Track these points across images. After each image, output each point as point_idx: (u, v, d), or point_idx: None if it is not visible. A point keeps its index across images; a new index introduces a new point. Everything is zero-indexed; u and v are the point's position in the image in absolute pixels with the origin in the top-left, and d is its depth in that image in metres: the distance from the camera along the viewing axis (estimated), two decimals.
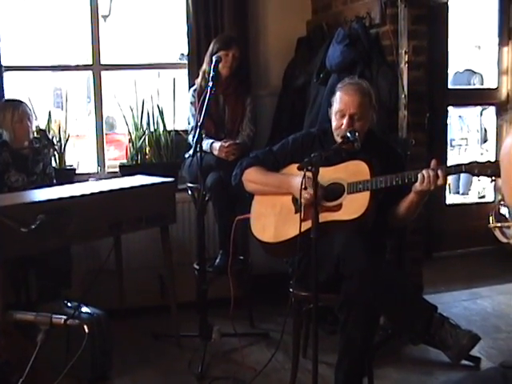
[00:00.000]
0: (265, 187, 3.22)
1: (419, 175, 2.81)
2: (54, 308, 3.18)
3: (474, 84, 6.64)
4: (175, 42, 5.94)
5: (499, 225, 0.90)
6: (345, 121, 3.08)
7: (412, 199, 2.94)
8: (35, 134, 4.13)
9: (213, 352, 3.69)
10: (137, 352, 3.81)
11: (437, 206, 5.17)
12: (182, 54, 5.52)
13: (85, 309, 3.44)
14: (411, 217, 3.07)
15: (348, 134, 2.97)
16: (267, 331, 4.04)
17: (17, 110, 3.92)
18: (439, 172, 2.78)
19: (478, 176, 2.86)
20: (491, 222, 0.92)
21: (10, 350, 2.70)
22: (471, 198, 6.72)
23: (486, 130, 7.17)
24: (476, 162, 2.82)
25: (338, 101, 3.13)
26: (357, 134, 2.98)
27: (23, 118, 3.93)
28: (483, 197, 6.32)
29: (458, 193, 6.92)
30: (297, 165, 2.85)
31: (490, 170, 2.73)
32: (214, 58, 3.79)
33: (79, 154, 5.24)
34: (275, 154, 3.31)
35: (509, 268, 5.07)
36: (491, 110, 5.83)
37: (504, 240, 0.93)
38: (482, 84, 6.46)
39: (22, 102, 3.98)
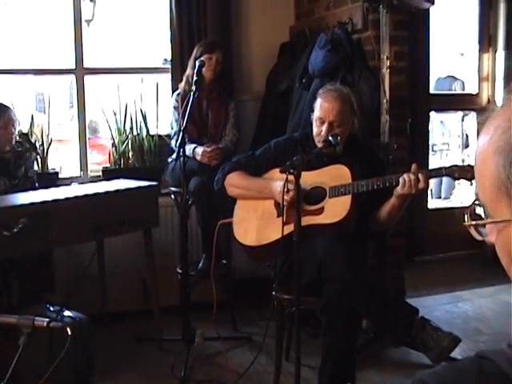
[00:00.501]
0: (247, 192, 3.23)
1: (400, 179, 2.84)
2: (36, 312, 3.13)
3: (456, 90, 6.69)
4: (158, 47, 5.96)
5: (474, 223, 0.92)
6: (324, 127, 3.11)
7: (393, 203, 2.96)
8: (17, 138, 4.11)
9: (196, 356, 3.70)
10: (119, 356, 3.80)
11: (419, 210, 5.21)
12: (165, 60, 5.53)
13: (67, 313, 3.43)
14: (393, 221, 3.10)
15: (330, 138, 2.99)
16: (250, 335, 4.05)
17: (2, 115, 3.88)
18: (420, 176, 2.81)
19: (459, 179, 2.89)
20: (466, 220, 0.94)
21: None
22: (453, 202, 6.77)
23: (467, 136, 7.24)
24: (456, 165, 2.85)
25: (318, 108, 3.16)
26: (338, 138, 3.00)
27: (8, 125, 3.90)
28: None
29: (439, 197, 6.97)
30: (279, 169, 2.87)
31: (470, 173, 2.77)
32: (197, 62, 3.79)
33: (62, 159, 5.22)
34: (257, 158, 3.33)
35: (490, 272, 5.08)
36: (472, 116, 5.89)
37: (479, 238, 0.95)
38: (464, 90, 6.52)
39: (8, 107, 3.95)
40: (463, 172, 2.79)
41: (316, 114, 3.17)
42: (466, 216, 0.97)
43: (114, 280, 4.31)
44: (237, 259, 4.31)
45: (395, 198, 2.93)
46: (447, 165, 2.90)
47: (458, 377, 0.89)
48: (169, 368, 3.58)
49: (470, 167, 2.81)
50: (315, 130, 3.17)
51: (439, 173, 2.86)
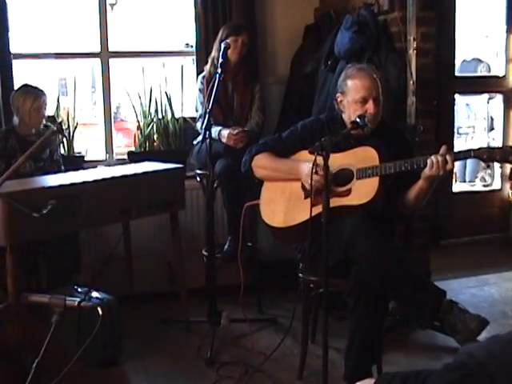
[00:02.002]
0: (274, 173, 3.23)
1: (428, 161, 2.82)
2: (64, 293, 3.18)
3: (481, 72, 6.62)
4: (180, 32, 5.95)
5: None
6: (371, 105, 3.07)
7: (421, 185, 2.95)
8: (45, 121, 4.14)
9: (222, 337, 3.72)
10: (146, 337, 3.84)
11: (443, 193, 5.18)
12: (187, 44, 5.53)
13: (95, 294, 3.47)
14: (420, 203, 3.08)
15: (357, 120, 2.98)
16: (275, 317, 4.07)
17: (38, 98, 3.94)
18: (448, 157, 2.79)
19: (487, 162, 2.86)
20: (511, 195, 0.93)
21: (24, 331, 2.73)
22: (478, 186, 6.71)
23: (492, 119, 7.16)
24: (485, 147, 2.83)
25: (357, 87, 3.10)
26: (366, 119, 2.98)
27: (41, 108, 3.95)
28: (489, 185, 6.31)
29: (464, 181, 6.92)
30: (306, 151, 2.86)
31: (499, 155, 2.74)
32: (222, 45, 3.78)
33: (86, 142, 5.25)
34: (284, 140, 3.32)
35: None
36: (498, 98, 5.82)
37: None
38: (489, 72, 6.45)
39: (43, 92, 4.00)
40: (492, 154, 2.76)
41: (355, 95, 3.10)
42: (510, 192, 0.97)
43: (140, 262, 4.35)
44: (262, 242, 4.33)
45: (423, 180, 2.91)
46: (475, 147, 2.87)
47: (505, 348, 0.89)
48: (195, 349, 3.61)
49: (499, 149, 2.78)
50: (357, 113, 3.07)
51: (467, 154, 2.83)
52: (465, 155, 2.86)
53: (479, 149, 2.81)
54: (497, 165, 5.54)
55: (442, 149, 2.83)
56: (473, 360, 0.88)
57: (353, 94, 3.12)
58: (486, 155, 2.77)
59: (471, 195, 6.00)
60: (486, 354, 0.87)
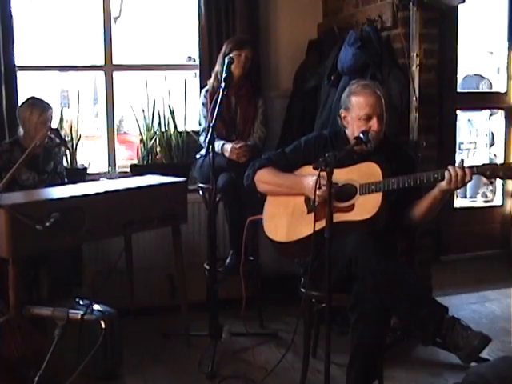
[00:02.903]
0: (277, 188, 3.23)
1: (446, 174, 2.81)
2: (65, 306, 3.19)
3: (483, 89, 6.64)
4: (182, 45, 5.97)
5: None
6: (374, 122, 3.09)
7: (436, 198, 2.96)
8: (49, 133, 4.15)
9: (223, 351, 3.71)
10: (147, 351, 3.83)
11: (445, 209, 5.17)
12: (189, 57, 5.56)
13: (96, 307, 3.46)
14: (431, 216, 3.10)
15: (361, 135, 2.98)
16: (276, 331, 4.07)
17: (45, 111, 3.95)
18: (467, 170, 2.79)
19: (490, 178, 2.85)
20: None
21: (26, 344, 2.72)
22: (479, 201, 6.72)
23: (493, 134, 7.18)
24: (488, 164, 2.84)
25: (361, 105, 3.11)
26: (369, 135, 2.99)
27: (47, 121, 3.96)
28: (490, 201, 6.33)
29: (465, 197, 6.92)
30: (309, 166, 2.88)
31: (502, 172, 2.76)
32: (226, 59, 3.80)
33: (88, 155, 5.26)
34: (288, 155, 3.33)
35: None
36: (500, 115, 5.84)
37: None
38: (491, 89, 6.47)
39: (49, 105, 4.01)
40: (495, 170, 2.77)
41: (359, 112, 3.11)
42: None
43: (142, 275, 4.35)
44: (264, 256, 4.32)
45: (438, 193, 2.92)
46: (478, 163, 2.88)
47: None
48: (196, 363, 3.60)
49: (502, 166, 2.80)
50: (362, 129, 3.08)
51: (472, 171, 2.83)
52: (481, 170, 2.84)
53: (482, 165, 2.82)
54: (499, 181, 5.54)
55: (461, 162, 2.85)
56: (482, 381, 0.88)
57: (357, 111, 3.13)
58: (489, 172, 2.78)
59: (472, 211, 6.00)
60: (495, 375, 0.88)
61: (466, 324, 2.80)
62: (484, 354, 3.15)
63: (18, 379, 2.67)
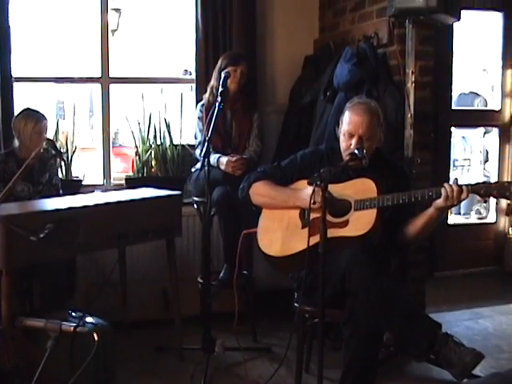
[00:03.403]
0: (272, 200, 3.24)
1: (442, 191, 2.83)
2: (58, 317, 3.17)
3: (478, 106, 6.68)
4: (178, 58, 5.99)
5: None
6: (353, 141, 3.11)
7: (432, 215, 2.97)
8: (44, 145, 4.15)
9: (215, 366, 3.69)
10: (139, 364, 3.81)
11: (439, 225, 5.18)
12: (186, 70, 5.58)
13: (90, 319, 3.45)
14: (426, 234, 3.12)
15: (356, 151, 3.00)
16: (270, 346, 4.05)
17: (40, 122, 3.95)
18: (464, 187, 2.80)
19: (484, 197, 2.86)
20: (511, 232, 0.94)
21: (19, 356, 2.71)
22: (472, 218, 6.75)
23: (487, 152, 7.22)
24: (482, 183, 2.86)
25: (348, 121, 3.16)
26: (364, 151, 3.00)
27: (42, 132, 3.96)
28: (484, 218, 6.35)
29: (459, 213, 6.94)
30: (304, 181, 2.88)
31: (496, 190, 2.77)
32: (222, 74, 3.81)
33: (83, 166, 5.26)
34: (283, 169, 3.34)
35: (510, 288, 5.10)
36: (494, 132, 5.88)
37: None
38: (486, 107, 6.51)
39: (44, 116, 4.02)
40: (489, 189, 2.78)
41: (344, 127, 3.17)
42: (510, 229, 0.98)
43: (135, 288, 4.34)
44: (258, 270, 4.32)
45: (434, 211, 2.93)
46: (472, 182, 2.89)
47: None
48: (188, 377, 3.58)
49: (496, 184, 2.82)
50: (344, 144, 3.17)
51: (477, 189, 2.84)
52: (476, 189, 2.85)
53: (476, 184, 2.83)
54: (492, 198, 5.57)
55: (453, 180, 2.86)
56: None
57: (344, 125, 3.19)
58: (483, 190, 2.80)
59: (466, 228, 6.03)
60: None
61: (459, 340, 2.80)
62: (477, 371, 3.14)
63: None
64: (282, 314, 3.69)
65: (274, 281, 4.27)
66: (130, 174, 4.76)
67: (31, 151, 3.94)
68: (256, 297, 4.28)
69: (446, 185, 2.83)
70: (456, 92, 6.05)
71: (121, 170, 5.52)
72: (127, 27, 7.94)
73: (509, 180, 3.85)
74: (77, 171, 4.68)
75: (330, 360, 3.34)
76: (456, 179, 2.88)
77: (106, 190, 4.45)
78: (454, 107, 5.63)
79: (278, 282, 4.11)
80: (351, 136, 3.13)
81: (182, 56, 5.64)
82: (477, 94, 6.99)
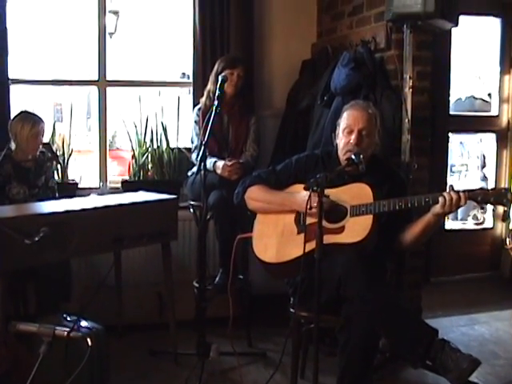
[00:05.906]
0: (267, 205, 3.23)
1: (440, 198, 2.82)
2: (53, 321, 3.16)
3: (478, 107, 6.66)
4: (176, 62, 5.98)
5: None
6: (353, 136, 3.12)
7: (429, 221, 2.96)
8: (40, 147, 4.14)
9: (210, 370, 3.69)
10: (134, 368, 3.79)
11: (436, 231, 5.18)
12: (183, 74, 5.57)
13: (84, 323, 3.43)
14: (423, 240, 3.11)
15: (353, 157, 2.98)
16: (264, 351, 4.04)
17: (37, 125, 3.95)
18: (461, 194, 2.79)
19: (481, 204, 2.86)
20: (508, 243, 0.93)
21: (12, 360, 2.69)
22: (469, 224, 6.73)
23: (484, 157, 7.20)
24: (479, 189, 2.84)
25: (346, 118, 3.18)
26: (361, 156, 2.99)
27: (38, 135, 3.96)
28: (481, 223, 6.33)
29: (456, 219, 6.92)
30: (299, 185, 2.88)
31: (493, 197, 2.77)
32: (219, 78, 3.80)
33: (79, 169, 5.25)
34: (278, 173, 3.33)
35: (507, 294, 5.09)
36: (491, 137, 5.87)
37: None
38: (489, 107, 6.50)
39: (41, 119, 4.02)
40: (486, 196, 2.78)
41: (343, 125, 3.18)
42: (507, 239, 0.97)
43: (130, 292, 4.33)
44: (253, 275, 4.30)
45: (432, 217, 2.92)
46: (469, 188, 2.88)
47: None
48: (183, 382, 3.56)
49: (493, 191, 2.81)
50: (343, 141, 3.17)
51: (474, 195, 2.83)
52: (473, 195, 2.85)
53: (474, 190, 2.83)
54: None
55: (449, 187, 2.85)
56: None
57: (342, 124, 3.20)
58: (481, 197, 2.79)
59: (463, 233, 6.01)
60: None
61: (456, 346, 2.79)
62: (473, 378, 3.13)
63: None
64: (277, 319, 3.69)
65: (269, 286, 4.24)
66: (127, 177, 4.75)
67: (28, 154, 3.94)
68: (251, 301, 4.27)
69: (445, 193, 2.82)
70: (453, 97, 6.04)
71: (117, 173, 5.51)
72: (125, 30, 7.93)
73: (506, 186, 3.82)
74: (73, 174, 4.67)
75: (326, 365, 3.34)
76: (451, 186, 2.87)
77: (102, 194, 4.44)
78: (451, 112, 5.62)
79: (274, 287, 4.08)
80: (350, 132, 3.13)
81: (180, 59, 5.63)
82: (474, 97, 6.98)
